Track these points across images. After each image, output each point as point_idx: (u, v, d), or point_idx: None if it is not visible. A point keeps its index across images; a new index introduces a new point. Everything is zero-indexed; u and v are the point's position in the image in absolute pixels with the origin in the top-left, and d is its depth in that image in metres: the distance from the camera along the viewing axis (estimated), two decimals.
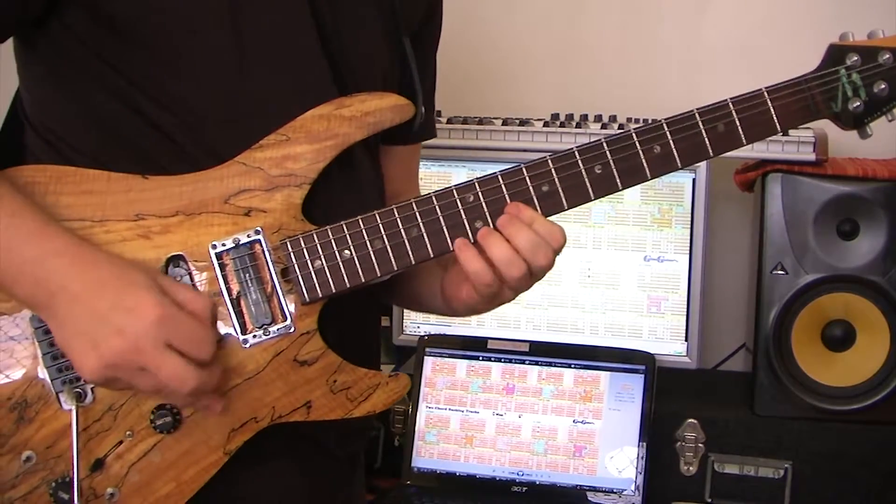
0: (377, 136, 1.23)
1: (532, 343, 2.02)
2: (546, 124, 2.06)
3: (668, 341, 2.07)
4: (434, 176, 2.08)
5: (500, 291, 1.19)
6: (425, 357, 2.02)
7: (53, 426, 1.14)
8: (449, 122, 2.06)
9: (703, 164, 2.02)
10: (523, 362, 2.00)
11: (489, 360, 2.01)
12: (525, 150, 2.01)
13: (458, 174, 2.09)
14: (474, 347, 2.03)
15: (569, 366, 1.99)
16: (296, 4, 1.18)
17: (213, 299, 1.12)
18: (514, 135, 2.05)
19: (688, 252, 2.05)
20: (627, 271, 2.07)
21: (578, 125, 2.04)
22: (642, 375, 1.96)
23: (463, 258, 1.16)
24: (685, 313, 2.06)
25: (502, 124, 2.08)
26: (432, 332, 2.12)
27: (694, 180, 2.04)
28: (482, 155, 2.04)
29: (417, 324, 2.16)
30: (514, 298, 1.21)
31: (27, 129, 1.21)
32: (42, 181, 1.14)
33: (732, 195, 2.17)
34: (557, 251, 1.17)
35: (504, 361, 2.01)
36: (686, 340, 2.06)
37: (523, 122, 2.06)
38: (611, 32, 2.34)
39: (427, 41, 1.37)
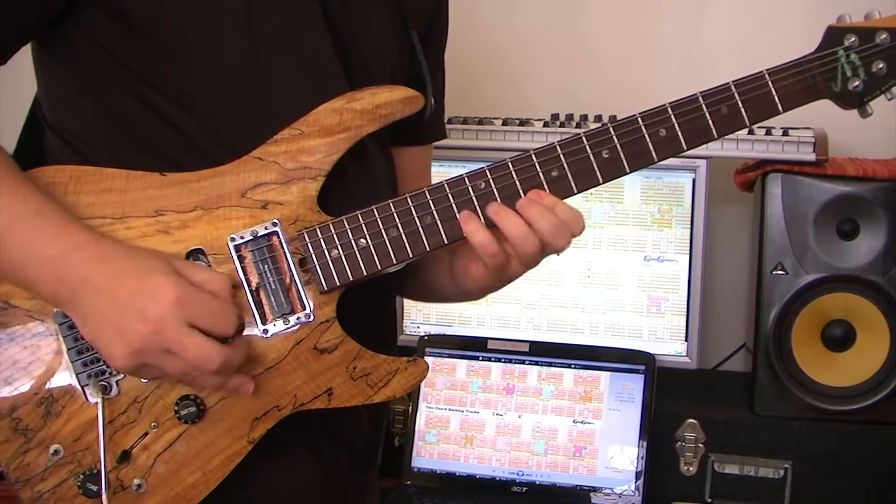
0: (388, 130, 1.25)
1: (532, 343, 2.02)
2: (546, 124, 2.06)
3: (668, 341, 2.07)
4: (435, 176, 2.06)
5: (508, 264, 1.20)
6: (425, 357, 2.02)
7: (80, 419, 1.16)
8: (449, 122, 2.06)
9: (702, 164, 2.03)
10: (523, 362, 2.01)
11: (489, 360, 2.02)
12: (525, 151, 2.01)
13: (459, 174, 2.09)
14: (474, 347, 2.03)
15: (569, 366, 1.99)
16: (307, 4, 1.19)
17: (229, 276, 1.14)
18: (514, 135, 2.05)
19: (688, 252, 2.05)
20: (627, 271, 2.07)
21: (578, 125, 2.04)
22: (642, 375, 1.96)
23: (468, 230, 1.18)
24: (685, 313, 2.06)
25: (502, 124, 2.08)
26: (432, 332, 2.12)
27: (694, 180, 2.04)
28: (482, 155, 2.04)
29: (417, 324, 2.16)
30: (522, 273, 1.23)
31: (46, 131, 1.22)
32: (62, 181, 1.16)
33: (732, 195, 2.17)
34: (577, 235, 1.20)
35: (504, 361, 2.01)
36: (686, 340, 2.06)
37: (523, 122, 2.07)
38: (611, 32, 2.34)
39: (435, 41, 1.38)
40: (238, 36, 1.16)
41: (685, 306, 2.06)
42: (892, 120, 2.11)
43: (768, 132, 1.96)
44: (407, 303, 2.17)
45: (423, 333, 2.11)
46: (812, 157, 1.93)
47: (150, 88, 1.16)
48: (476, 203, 1.19)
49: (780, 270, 1.93)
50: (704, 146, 1.95)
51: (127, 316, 1.07)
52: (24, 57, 1.24)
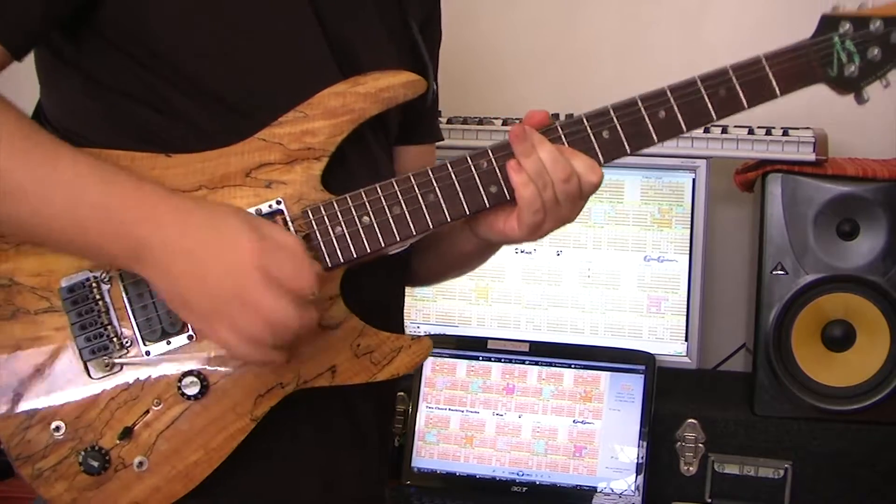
0: (390, 128, 1.28)
1: (532, 343, 2.02)
2: None
3: (668, 341, 2.07)
4: None
5: (544, 222, 1.20)
6: None
7: (82, 396, 1.15)
8: (449, 122, 2.06)
9: (702, 164, 2.03)
10: (523, 362, 2.01)
11: (489, 360, 2.02)
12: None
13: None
14: (474, 347, 2.03)
15: (569, 366, 1.99)
16: (297, 5, 1.20)
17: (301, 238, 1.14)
18: None
19: (688, 252, 2.05)
20: (627, 271, 2.07)
21: None
22: (642, 375, 1.96)
23: (518, 181, 1.18)
24: (685, 313, 2.06)
25: (502, 124, 2.08)
26: (432, 332, 2.12)
27: (694, 180, 2.04)
28: None
29: (417, 324, 2.16)
30: (551, 230, 1.22)
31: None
32: None
33: (732, 195, 2.17)
34: (592, 184, 1.21)
35: (504, 361, 2.01)
36: (686, 340, 2.06)
37: None
38: (610, 32, 2.34)
39: (429, 41, 1.38)
40: (225, 32, 1.17)
41: (685, 306, 2.06)
42: (892, 120, 2.12)
43: (768, 132, 1.96)
44: (407, 302, 2.16)
45: (422, 333, 2.11)
46: (812, 157, 1.93)
47: (155, 78, 1.16)
48: (479, 181, 1.20)
49: (780, 270, 1.93)
50: (705, 146, 1.99)
51: (205, 265, 1.06)
52: (25, 60, 1.24)
